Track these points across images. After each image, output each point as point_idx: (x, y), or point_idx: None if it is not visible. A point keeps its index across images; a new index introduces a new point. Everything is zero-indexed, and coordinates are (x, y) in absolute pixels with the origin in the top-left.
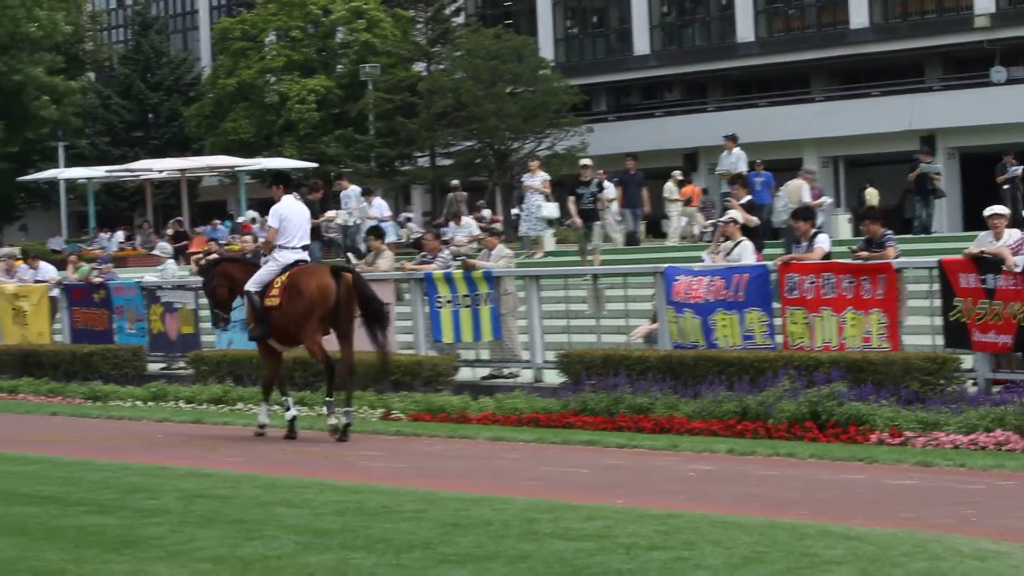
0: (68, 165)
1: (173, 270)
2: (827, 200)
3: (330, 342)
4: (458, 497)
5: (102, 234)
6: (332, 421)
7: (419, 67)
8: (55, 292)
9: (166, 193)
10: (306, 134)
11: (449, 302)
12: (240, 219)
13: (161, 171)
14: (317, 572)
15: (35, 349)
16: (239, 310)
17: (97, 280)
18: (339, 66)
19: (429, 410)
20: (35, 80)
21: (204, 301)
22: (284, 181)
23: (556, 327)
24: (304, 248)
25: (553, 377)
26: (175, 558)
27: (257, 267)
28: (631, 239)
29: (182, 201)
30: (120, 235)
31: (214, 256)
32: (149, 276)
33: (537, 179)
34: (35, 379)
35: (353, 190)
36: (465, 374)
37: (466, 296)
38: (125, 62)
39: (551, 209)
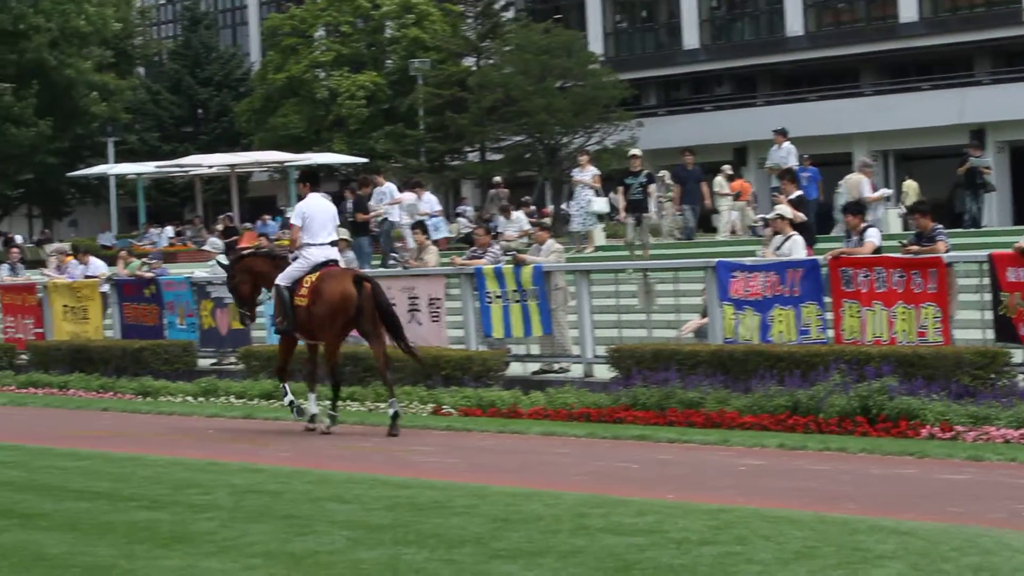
0: (118, 161)
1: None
2: (887, 192)
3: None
4: (509, 492)
5: (152, 230)
6: (327, 421)
7: (469, 62)
8: (105, 288)
9: (216, 189)
10: (356, 129)
11: (499, 297)
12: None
13: (211, 166)
14: (368, 568)
15: (85, 345)
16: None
17: (147, 275)
18: (388, 61)
19: (480, 405)
20: (85, 75)
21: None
22: (311, 179)
23: (607, 322)
24: (332, 244)
25: (604, 372)
26: (226, 553)
27: (283, 260)
28: (688, 235)
29: (232, 197)
30: (170, 231)
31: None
32: (199, 271)
33: (587, 174)
34: (85, 375)
35: (388, 187)
36: (515, 369)
37: (516, 291)
38: (175, 57)
39: (601, 204)
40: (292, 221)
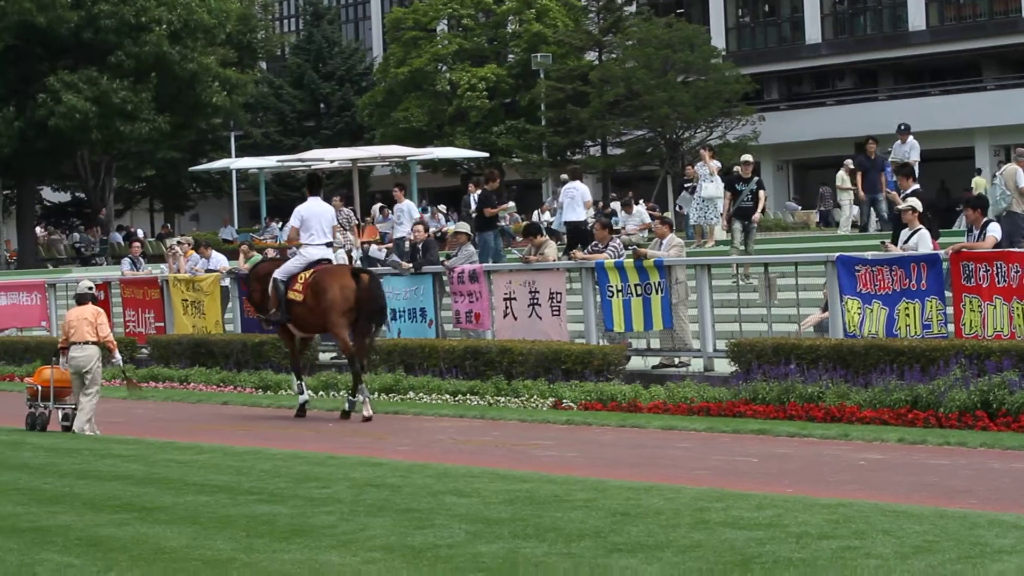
0: (239, 155)
1: (344, 259)
2: None
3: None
4: (629, 486)
5: (273, 224)
6: (360, 398)
7: (591, 56)
8: (227, 282)
9: (337, 183)
10: (477, 123)
11: (620, 291)
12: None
13: (332, 161)
14: (487, 561)
15: (206, 338)
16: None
17: None
18: (510, 55)
19: (600, 399)
20: (208, 69)
21: None
22: (311, 184)
23: (727, 316)
24: (328, 245)
25: (724, 366)
26: (346, 547)
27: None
28: (863, 227)
29: (354, 191)
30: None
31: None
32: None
33: (710, 168)
34: (206, 368)
35: (407, 205)
36: (636, 363)
37: (637, 285)
38: (297, 52)
39: (712, 189)
40: (291, 222)
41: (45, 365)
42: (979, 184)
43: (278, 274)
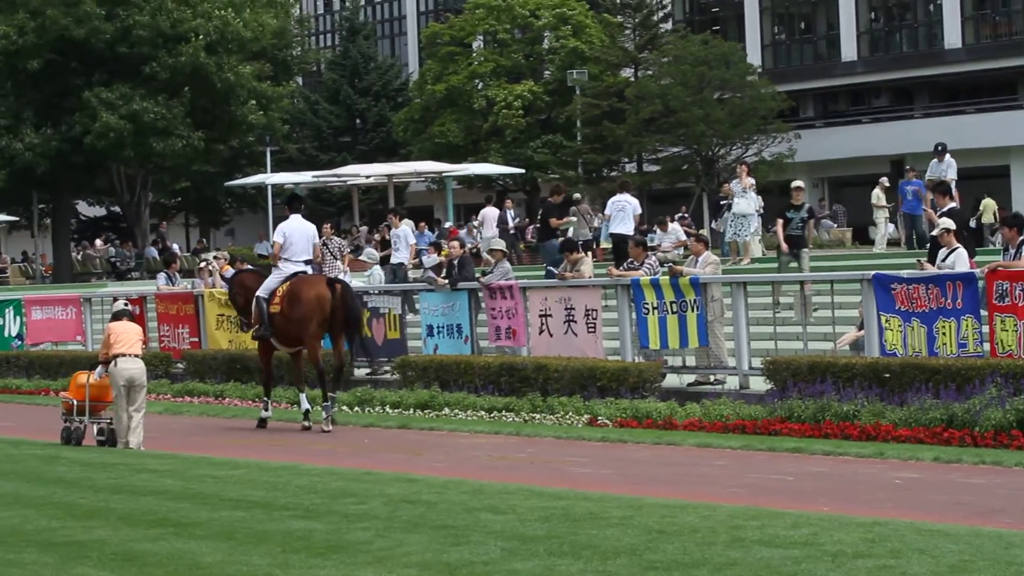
0: (275, 170)
1: (379, 276)
2: None
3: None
4: (664, 504)
5: None
6: (324, 415)
7: (626, 73)
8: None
9: (373, 198)
10: (513, 139)
11: (655, 308)
12: (447, 224)
13: (368, 176)
14: None
15: (242, 354)
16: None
17: None
18: (546, 72)
19: (635, 416)
20: (244, 82)
21: (413, 306)
22: (292, 202)
23: (762, 334)
24: (306, 262)
25: (759, 384)
26: (381, 563)
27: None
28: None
29: (389, 206)
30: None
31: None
32: (356, 281)
33: (744, 185)
34: (241, 384)
35: (403, 231)
36: (671, 380)
37: (673, 302)
38: (333, 67)
39: (745, 205)
40: (274, 239)
41: (82, 371)
42: (988, 206)
43: (260, 292)
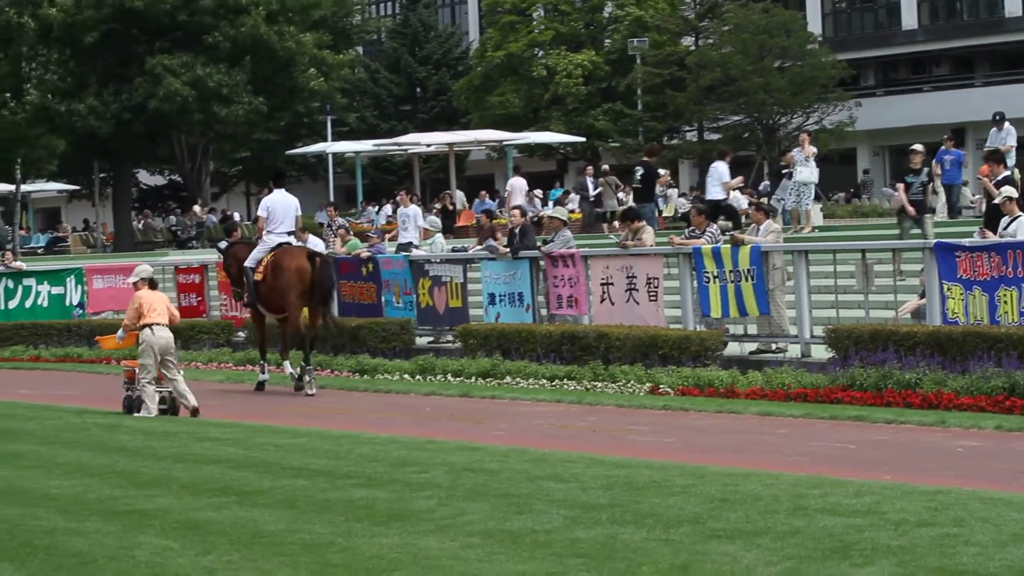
0: (336, 139)
1: (442, 244)
2: None
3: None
4: (726, 472)
5: (370, 207)
6: (306, 379)
7: (687, 41)
8: None
9: (433, 167)
10: (574, 108)
11: (716, 277)
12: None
13: (429, 145)
14: (585, 547)
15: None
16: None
17: (365, 254)
18: (607, 40)
19: (697, 385)
20: (305, 48)
21: (472, 275)
22: (276, 178)
23: (824, 302)
24: (289, 233)
25: (821, 352)
26: (444, 532)
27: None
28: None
29: (450, 175)
30: (388, 209)
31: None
32: (417, 250)
33: (806, 153)
34: (302, 352)
35: (413, 210)
36: (733, 349)
37: (734, 271)
38: (393, 36)
39: (807, 174)
40: (258, 213)
41: (104, 336)
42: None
43: (247, 262)
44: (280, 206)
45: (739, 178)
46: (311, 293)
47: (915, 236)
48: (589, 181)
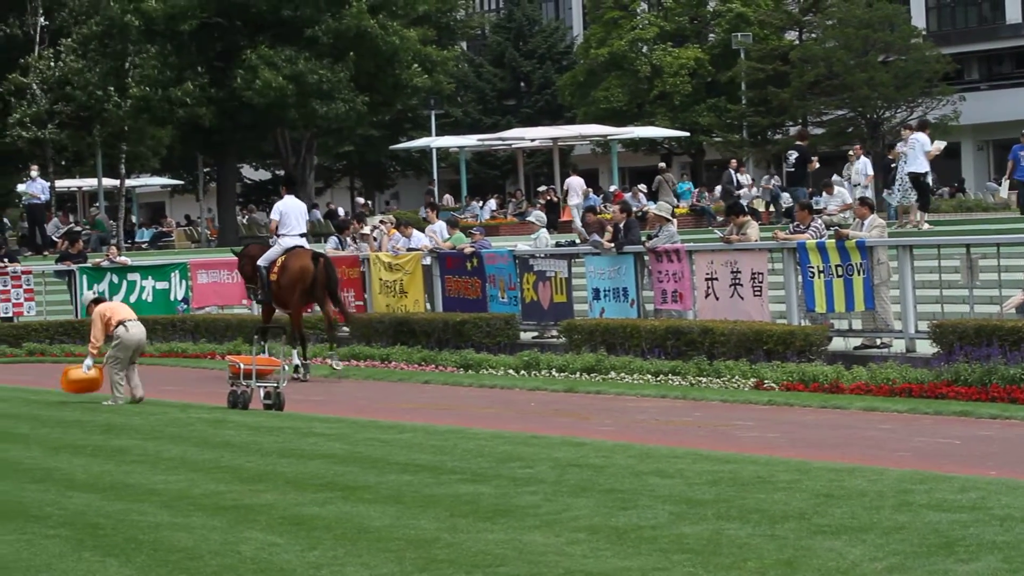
0: (439, 133)
1: (546, 239)
2: None
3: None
4: (831, 467)
5: (474, 202)
6: (303, 370)
7: (791, 36)
8: (427, 260)
9: (537, 162)
10: (678, 103)
11: (821, 272)
12: (612, 188)
13: (533, 140)
14: (691, 543)
15: (407, 317)
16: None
17: (469, 249)
18: (711, 35)
19: (802, 380)
20: (409, 44)
21: (577, 270)
22: (287, 183)
23: (929, 297)
24: (302, 235)
25: (926, 347)
26: (550, 527)
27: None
28: None
29: (554, 170)
30: (492, 203)
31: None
32: (522, 245)
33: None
34: (407, 347)
35: (439, 225)
36: (837, 344)
37: (839, 266)
38: (497, 31)
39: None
40: (271, 216)
41: (70, 366)
42: None
43: (261, 262)
44: (292, 210)
45: (943, 143)
46: (313, 290)
47: None
48: (734, 174)
